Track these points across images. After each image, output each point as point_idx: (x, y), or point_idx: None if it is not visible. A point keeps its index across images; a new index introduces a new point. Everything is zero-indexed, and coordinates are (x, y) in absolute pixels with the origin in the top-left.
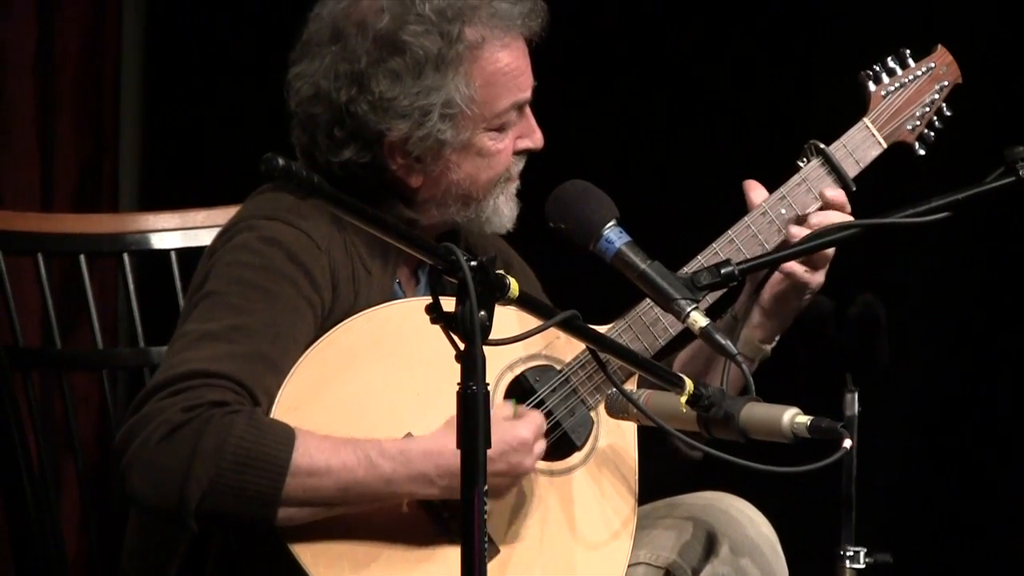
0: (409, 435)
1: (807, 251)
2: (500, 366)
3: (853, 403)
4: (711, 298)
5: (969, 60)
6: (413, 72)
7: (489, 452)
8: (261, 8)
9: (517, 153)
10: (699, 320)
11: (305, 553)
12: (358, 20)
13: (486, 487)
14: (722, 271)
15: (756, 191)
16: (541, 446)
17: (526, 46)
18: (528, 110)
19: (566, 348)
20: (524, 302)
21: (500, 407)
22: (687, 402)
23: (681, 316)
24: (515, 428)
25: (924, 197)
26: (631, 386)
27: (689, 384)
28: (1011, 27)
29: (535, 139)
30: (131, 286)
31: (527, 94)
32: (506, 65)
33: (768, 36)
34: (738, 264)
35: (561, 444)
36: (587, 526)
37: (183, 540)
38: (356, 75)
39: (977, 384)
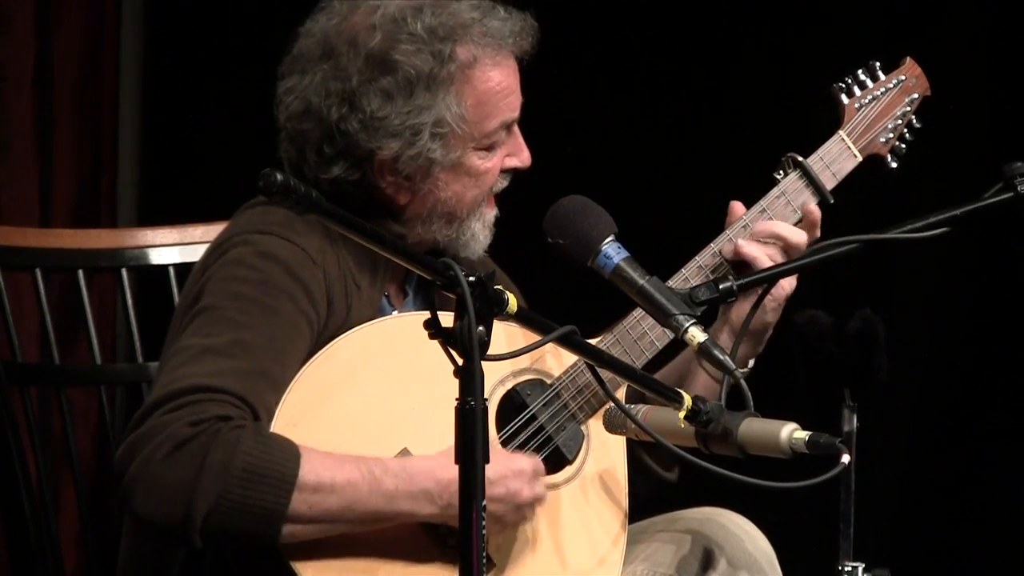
0: (405, 450)
1: (804, 267)
2: (491, 381)
3: (851, 418)
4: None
5: (968, 76)
6: (404, 91)
7: (488, 474)
8: (259, 24)
9: (504, 171)
10: (698, 335)
11: (306, 570)
12: (350, 38)
13: (484, 502)
14: (720, 286)
15: (737, 208)
16: (541, 484)
17: (516, 65)
18: (516, 129)
19: (554, 362)
20: (522, 317)
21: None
22: (685, 417)
23: (680, 332)
24: (514, 457)
25: (923, 213)
26: (619, 396)
27: (687, 399)
28: (1010, 43)
29: (523, 158)
30: (129, 301)
31: (516, 113)
32: (497, 84)
33: (756, 42)
34: (737, 279)
35: (553, 458)
36: (579, 538)
37: (177, 560)
38: (347, 93)
39: (976, 399)
